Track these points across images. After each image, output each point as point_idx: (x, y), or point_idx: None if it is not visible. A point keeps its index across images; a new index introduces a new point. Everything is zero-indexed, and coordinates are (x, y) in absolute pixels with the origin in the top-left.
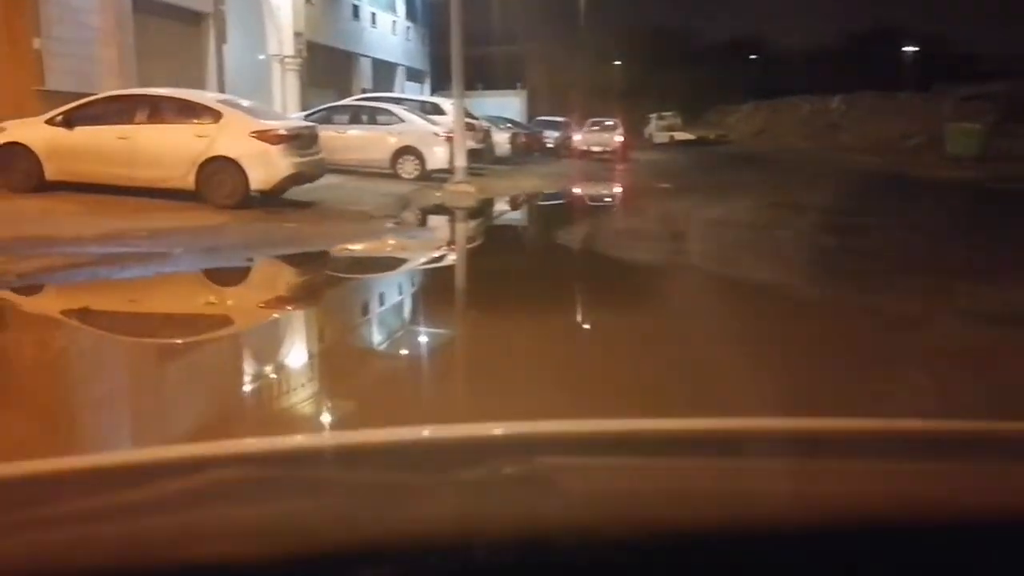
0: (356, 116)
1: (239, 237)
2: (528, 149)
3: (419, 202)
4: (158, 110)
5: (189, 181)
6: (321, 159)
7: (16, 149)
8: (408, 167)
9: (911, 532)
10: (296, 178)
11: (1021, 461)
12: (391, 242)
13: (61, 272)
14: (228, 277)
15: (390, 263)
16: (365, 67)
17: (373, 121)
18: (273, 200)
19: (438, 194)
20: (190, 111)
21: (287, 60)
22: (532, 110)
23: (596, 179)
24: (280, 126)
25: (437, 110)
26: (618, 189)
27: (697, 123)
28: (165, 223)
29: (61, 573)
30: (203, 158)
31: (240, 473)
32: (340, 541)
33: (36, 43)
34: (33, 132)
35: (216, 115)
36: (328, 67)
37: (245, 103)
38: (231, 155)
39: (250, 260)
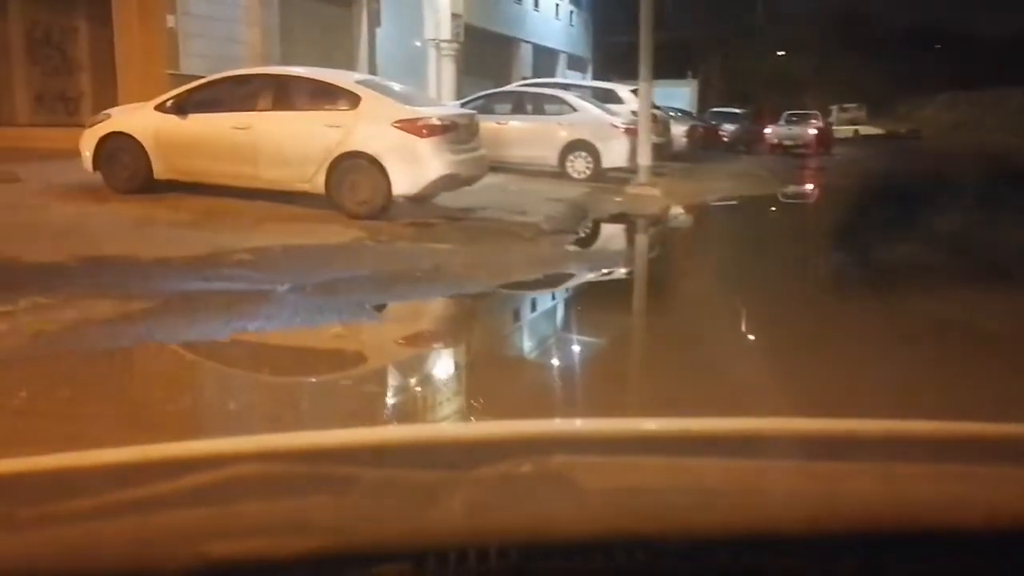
0: (520, 104)
1: (371, 264)
2: (705, 144)
3: (597, 210)
4: (285, 94)
5: (318, 183)
6: (482, 156)
7: (121, 141)
8: (579, 165)
9: (925, 535)
10: (450, 180)
11: None
12: (579, 278)
13: (97, 329)
14: (335, 356)
15: (594, 330)
16: (525, 54)
17: (540, 110)
18: (420, 207)
19: (618, 199)
20: (323, 95)
21: (443, 45)
22: (702, 101)
23: (801, 179)
24: (432, 114)
25: (611, 98)
26: (842, 193)
27: (883, 116)
28: (280, 239)
29: (79, 568)
30: (335, 154)
31: (256, 469)
32: (357, 537)
33: (170, 21)
34: (141, 120)
35: (353, 100)
36: (486, 53)
37: (393, 86)
38: (369, 150)
39: (378, 308)
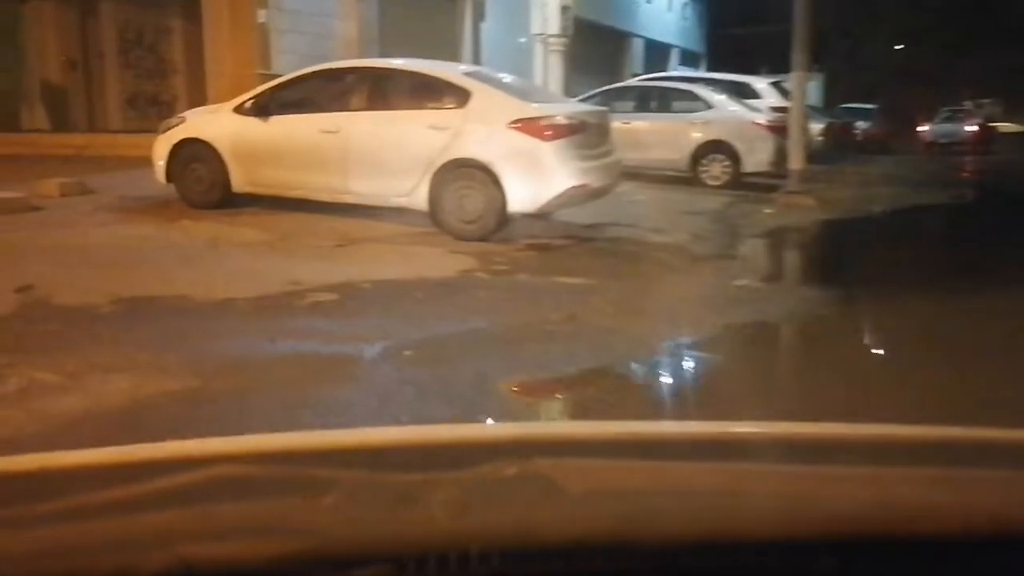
0: (644, 101)
1: (487, 309)
2: (841, 142)
3: (748, 224)
4: (381, 91)
5: (418, 197)
6: (615, 162)
7: (195, 148)
8: (714, 170)
9: (906, 539)
10: (579, 193)
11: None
12: (779, 335)
13: (92, 431)
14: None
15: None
16: (637, 48)
17: (667, 107)
18: (539, 222)
19: (768, 210)
20: (425, 91)
21: (551, 40)
22: (828, 96)
23: (972, 182)
24: (557, 112)
25: (746, 92)
26: None
27: (1021, 112)
28: (371, 269)
29: (56, 569)
30: (440, 162)
31: (236, 471)
32: (338, 540)
33: (261, 16)
34: (217, 124)
35: (462, 96)
36: (595, 48)
37: (508, 79)
38: (481, 157)
39: (505, 391)
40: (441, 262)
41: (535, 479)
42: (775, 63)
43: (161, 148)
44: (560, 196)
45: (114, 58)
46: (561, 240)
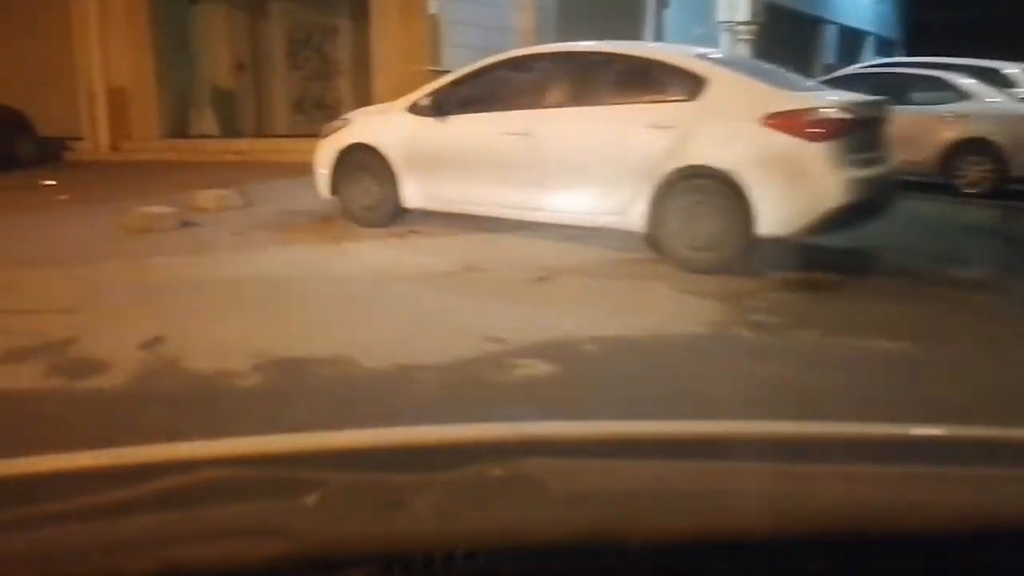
0: (876, 91)
1: (776, 403)
2: None
3: None
4: (583, 82)
5: (634, 216)
6: (893, 171)
7: (362, 156)
8: (972, 173)
9: (890, 537)
10: (855, 211)
11: (1013, 467)
12: None
13: None
14: None
15: None
16: (830, 36)
17: (905, 98)
18: (780, 249)
19: None
20: (642, 80)
21: (739, 28)
22: None
23: None
24: (828, 103)
25: (995, 79)
26: None
27: None
28: (591, 319)
29: (43, 573)
30: (664, 171)
31: (223, 473)
32: (324, 541)
33: (433, 7)
34: (388, 127)
35: (694, 84)
36: (784, 37)
37: (744, 59)
38: (720, 165)
39: None
40: (677, 307)
41: (521, 480)
42: (978, 49)
43: (324, 155)
44: (830, 215)
45: (282, 60)
46: (829, 274)
